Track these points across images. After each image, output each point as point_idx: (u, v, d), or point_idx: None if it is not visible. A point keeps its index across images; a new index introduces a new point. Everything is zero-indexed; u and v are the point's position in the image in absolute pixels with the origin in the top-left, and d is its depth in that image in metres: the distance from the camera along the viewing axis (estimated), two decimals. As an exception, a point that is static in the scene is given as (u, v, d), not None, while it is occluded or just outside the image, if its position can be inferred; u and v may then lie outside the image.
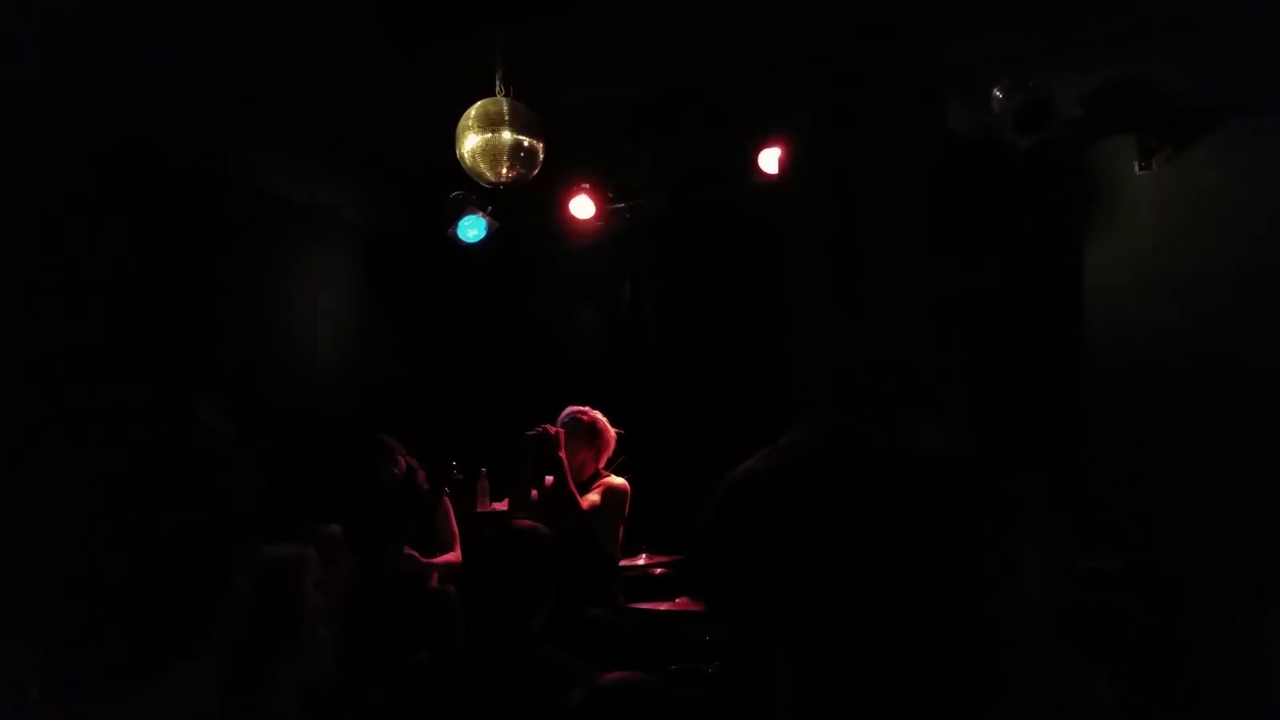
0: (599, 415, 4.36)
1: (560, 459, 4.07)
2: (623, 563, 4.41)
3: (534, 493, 4.25)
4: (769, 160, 4.81)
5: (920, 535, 0.71)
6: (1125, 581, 3.73)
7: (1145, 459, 4.49)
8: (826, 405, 3.58)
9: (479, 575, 2.59)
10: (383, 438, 4.24)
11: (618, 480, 4.30)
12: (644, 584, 4.67)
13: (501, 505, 5.28)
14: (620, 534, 4.28)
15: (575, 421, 4.28)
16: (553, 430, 4.13)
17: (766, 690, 0.74)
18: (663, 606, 4.51)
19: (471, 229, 5.34)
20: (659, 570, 4.74)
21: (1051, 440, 4.67)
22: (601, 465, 4.33)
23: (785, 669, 0.73)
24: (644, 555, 4.71)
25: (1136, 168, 4.75)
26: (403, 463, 4.18)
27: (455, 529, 4.50)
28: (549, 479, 4.19)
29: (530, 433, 4.12)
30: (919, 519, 0.72)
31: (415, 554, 4.22)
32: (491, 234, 5.37)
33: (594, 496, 4.17)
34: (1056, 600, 0.74)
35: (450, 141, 4.00)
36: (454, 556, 4.40)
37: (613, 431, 4.37)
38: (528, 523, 2.78)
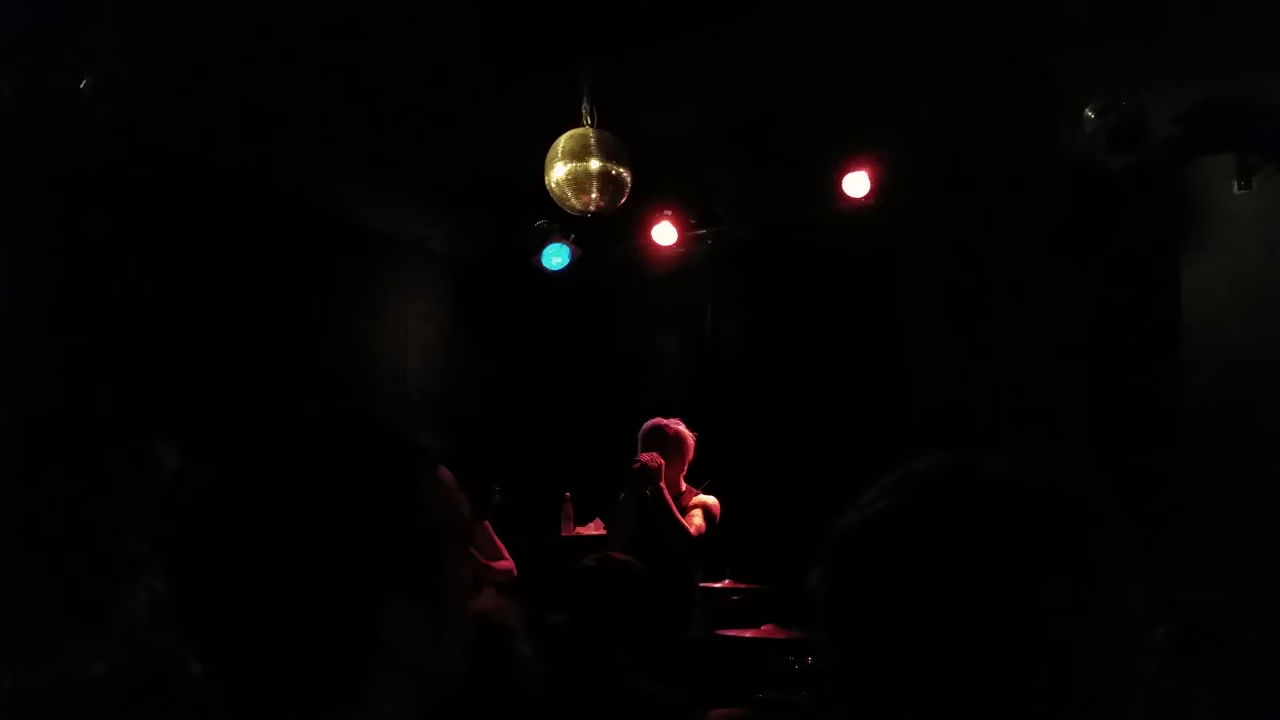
0: (681, 426, 4.35)
1: (661, 488, 4.08)
2: (704, 584, 4.41)
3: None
4: (853, 185, 4.79)
5: (1042, 580, 0.70)
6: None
7: (1248, 486, 4.31)
8: (946, 436, 3.54)
9: (577, 605, 2.58)
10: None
11: (711, 500, 4.28)
12: (728, 610, 4.63)
13: (585, 530, 5.31)
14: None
15: (660, 433, 4.28)
16: (655, 463, 4.13)
17: None
18: (748, 633, 4.46)
19: (555, 257, 5.41)
20: (735, 597, 4.70)
21: (1151, 466, 4.52)
22: (683, 474, 4.32)
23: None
24: (728, 580, 4.67)
25: (1235, 187, 4.60)
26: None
27: (501, 546, 4.20)
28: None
29: (637, 465, 4.13)
30: (1040, 562, 0.71)
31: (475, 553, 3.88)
32: (575, 261, 5.43)
33: (698, 521, 4.16)
34: (1160, 630, 0.73)
35: (535, 171, 4.07)
36: (506, 564, 4.14)
37: (692, 438, 4.35)
38: (622, 555, 2.77)
